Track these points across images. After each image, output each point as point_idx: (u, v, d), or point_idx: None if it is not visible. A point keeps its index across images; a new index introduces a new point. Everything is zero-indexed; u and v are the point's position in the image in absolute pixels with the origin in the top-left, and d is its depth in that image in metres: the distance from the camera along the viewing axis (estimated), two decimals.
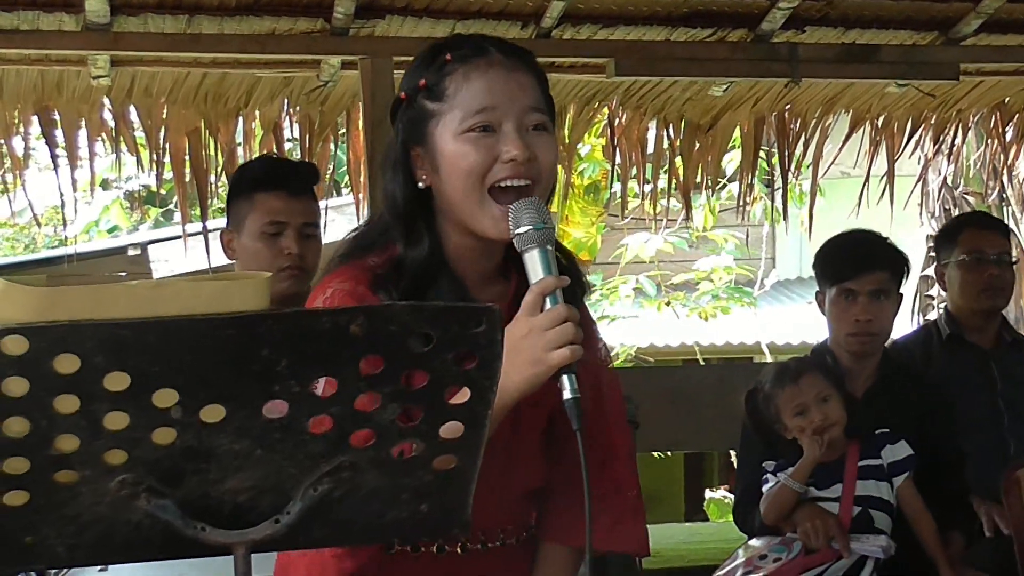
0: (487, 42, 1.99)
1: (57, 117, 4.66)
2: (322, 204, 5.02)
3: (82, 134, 4.73)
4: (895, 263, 3.55)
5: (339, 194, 9.03)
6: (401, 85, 2.01)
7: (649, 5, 4.46)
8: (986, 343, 4.03)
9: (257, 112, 4.81)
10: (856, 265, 3.51)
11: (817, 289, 3.65)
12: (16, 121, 4.68)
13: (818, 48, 4.69)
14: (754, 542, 3.34)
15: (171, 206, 11.18)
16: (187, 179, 4.86)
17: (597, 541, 1.96)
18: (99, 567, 2.53)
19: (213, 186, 4.88)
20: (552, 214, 1.91)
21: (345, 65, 4.44)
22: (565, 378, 1.77)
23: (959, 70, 4.82)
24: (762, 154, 5.86)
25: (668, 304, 10.23)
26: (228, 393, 1.39)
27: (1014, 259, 4.16)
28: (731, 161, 7.35)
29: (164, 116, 4.71)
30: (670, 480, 12.17)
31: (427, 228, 1.94)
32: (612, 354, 8.98)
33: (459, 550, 1.96)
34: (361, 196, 4.96)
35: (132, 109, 4.74)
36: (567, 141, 5.23)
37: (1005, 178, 6.18)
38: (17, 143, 4.82)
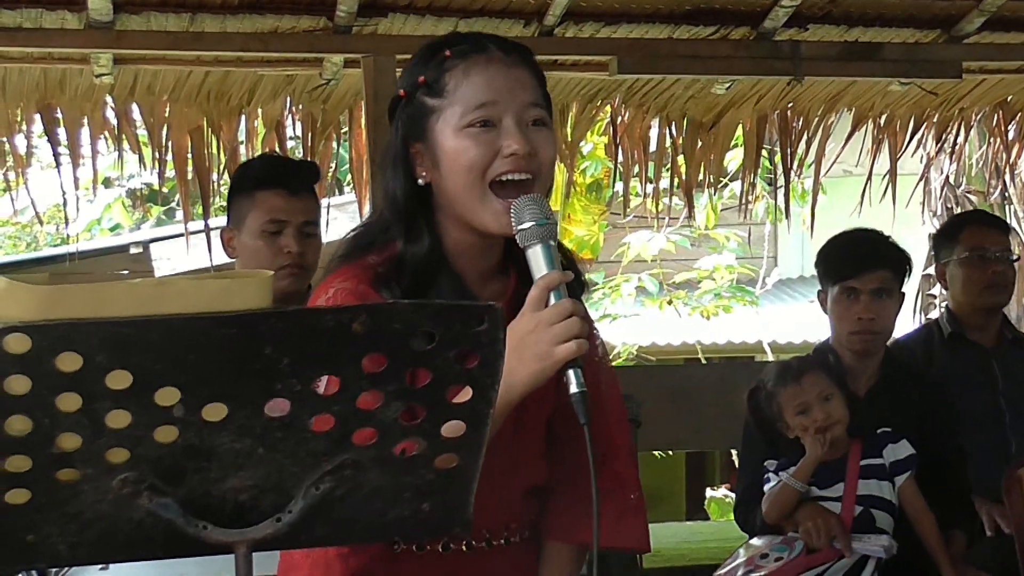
0: (485, 39, 1.99)
1: (60, 115, 4.66)
2: (324, 202, 5.03)
3: (84, 132, 4.73)
4: (897, 262, 3.55)
5: (341, 192, 9.03)
6: (399, 83, 2.01)
7: (652, 3, 4.46)
8: (987, 341, 4.03)
9: (260, 110, 4.81)
10: (858, 264, 3.51)
11: (819, 288, 3.65)
12: (19, 119, 4.68)
13: (820, 46, 4.68)
14: (755, 541, 3.34)
15: (173, 204, 11.17)
16: (189, 177, 4.87)
17: (601, 537, 1.98)
18: (100, 566, 2.53)
19: (215, 184, 4.88)
20: (554, 212, 1.92)
21: (348, 63, 4.44)
22: (571, 372, 1.77)
23: (962, 68, 4.82)
24: (764, 152, 5.86)
25: (670, 303, 10.23)
26: (230, 391, 1.39)
27: (1015, 256, 4.16)
28: (733, 159, 7.35)
29: (167, 114, 4.71)
30: (671, 479, 12.17)
31: (427, 225, 1.94)
32: (614, 353, 9.02)
33: (464, 548, 1.96)
34: (363, 194, 4.96)
35: (135, 107, 4.74)
36: (569, 139, 5.23)
37: (1007, 177, 6.18)
38: (20, 141, 4.82)
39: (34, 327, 1.32)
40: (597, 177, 9.52)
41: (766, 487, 3.34)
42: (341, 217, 5.94)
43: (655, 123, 5.27)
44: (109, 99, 4.66)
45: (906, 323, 6.33)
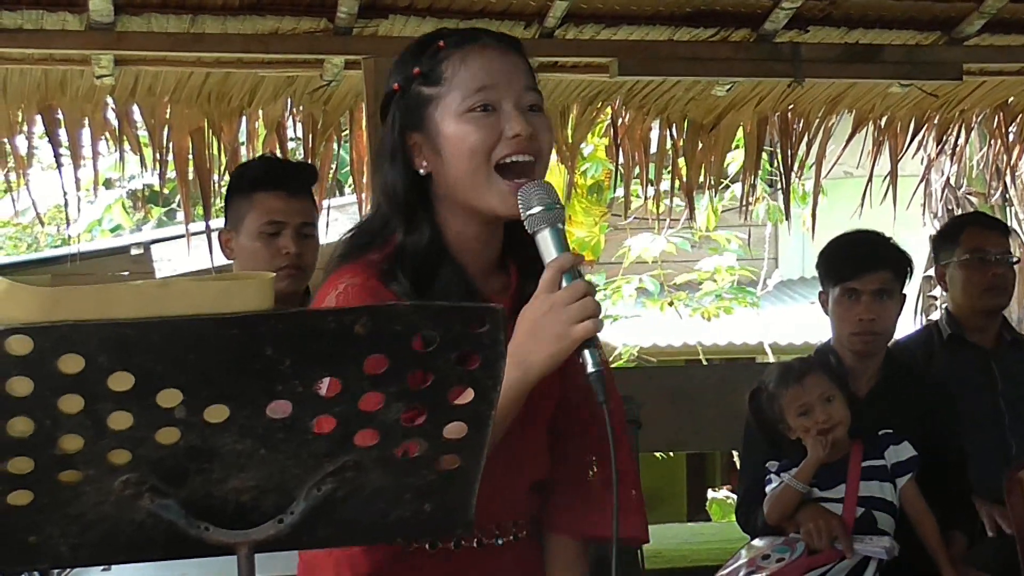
0: (476, 30, 2.02)
1: (61, 116, 4.66)
2: (325, 203, 5.05)
3: (85, 133, 4.73)
4: (898, 263, 3.55)
5: (342, 193, 9.04)
6: (390, 79, 2.01)
7: (652, 5, 4.46)
8: (987, 343, 4.03)
9: (260, 111, 4.81)
10: (859, 265, 3.52)
11: (820, 289, 3.65)
12: (20, 120, 4.68)
13: (821, 48, 4.68)
14: (757, 542, 3.34)
15: (174, 205, 11.17)
16: (190, 178, 4.86)
17: (603, 527, 2.00)
18: (102, 567, 2.53)
19: (216, 185, 4.88)
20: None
21: (348, 65, 4.44)
22: (587, 352, 1.78)
23: (962, 70, 4.82)
24: (765, 154, 5.86)
25: (671, 304, 10.23)
26: (232, 393, 1.40)
27: (1015, 258, 4.16)
28: (734, 161, 7.35)
29: (167, 115, 4.71)
30: (672, 480, 12.16)
31: (427, 216, 1.94)
32: (615, 354, 9.01)
33: (475, 544, 1.96)
34: (364, 195, 4.96)
35: (135, 108, 4.74)
36: (570, 141, 5.24)
37: (1008, 178, 6.17)
38: (21, 142, 4.82)
39: (36, 328, 1.32)
40: (598, 179, 9.52)
41: (767, 488, 3.34)
42: (342, 218, 5.94)
43: (656, 125, 5.27)
44: (110, 100, 4.66)
45: (907, 325, 6.33)
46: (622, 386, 2.21)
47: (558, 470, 2.05)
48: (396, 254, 1.92)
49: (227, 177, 4.75)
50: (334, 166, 5.25)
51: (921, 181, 6.93)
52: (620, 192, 5.71)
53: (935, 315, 7.21)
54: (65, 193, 4.86)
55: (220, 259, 3.36)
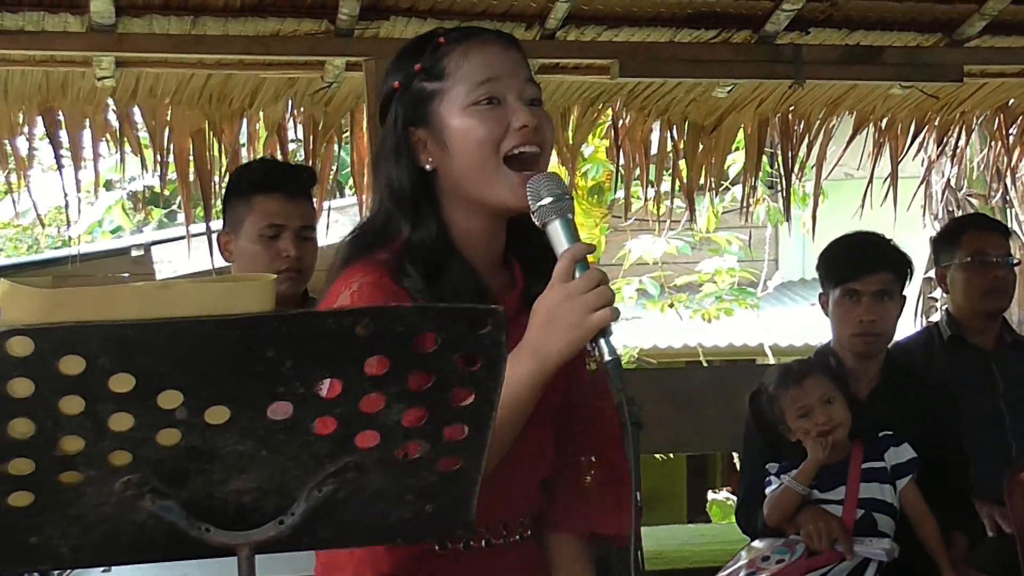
0: (473, 27, 2.04)
1: (61, 118, 4.67)
2: (325, 205, 5.05)
3: (86, 135, 4.73)
4: (899, 264, 3.55)
5: (342, 195, 9.04)
6: (388, 78, 2.00)
7: (653, 6, 4.46)
8: (987, 345, 4.03)
9: (261, 113, 4.81)
10: (860, 266, 3.52)
11: (820, 291, 3.65)
12: (21, 121, 4.68)
13: (822, 50, 4.69)
14: (757, 544, 3.34)
15: (175, 207, 11.17)
16: (191, 180, 4.87)
17: (605, 524, 2.03)
18: (103, 568, 2.53)
19: (217, 187, 4.87)
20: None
21: (349, 66, 4.45)
22: (603, 341, 1.78)
23: (963, 72, 4.82)
24: (765, 156, 5.86)
25: (671, 306, 10.23)
26: (233, 394, 1.40)
27: (1015, 260, 4.16)
28: (734, 163, 7.35)
29: (168, 117, 4.71)
30: (673, 481, 12.16)
31: (433, 212, 1.94)
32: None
33: (484, 544, 1.95)
34: (364, 197, 4.96)
35: (136, 110, 4.74)
36: (571, 142, 5.24)
37: (1008, 180, 6.18)
38: (21, 143, 4.82)
39: (37, 330, 1.32)
40: (598, 180, 9.52)
41: (767, 490, 3.34)
42: (342, 220, 5.94)
43: (656, 126, 5.27)
44: (111, 102, 4.66)
45: (907, 326, 6.33)
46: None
47: (558, 469, 2.05)
48: (404, 251, 1.91)
49: (228, 179, 4.76)
50: (335, 167, 5.25)
51: (922, 183, 6.93)
52: (621, 194, 5.71)
53: (935, 317, 7.22)
54: (66, 194, 4.87)
55: (221, 261, 3.36)
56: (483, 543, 1.95)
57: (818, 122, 5.35)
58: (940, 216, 8.49)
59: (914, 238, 7.15)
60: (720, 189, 6.09)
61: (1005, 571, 3.49)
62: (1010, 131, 5.63)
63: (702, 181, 5.44)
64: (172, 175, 4.88)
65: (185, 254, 6.27)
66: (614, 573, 3.75)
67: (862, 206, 5.59)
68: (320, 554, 1.93)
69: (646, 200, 5.83)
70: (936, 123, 5.54)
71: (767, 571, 3.21)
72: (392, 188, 1.95)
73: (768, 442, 3.41)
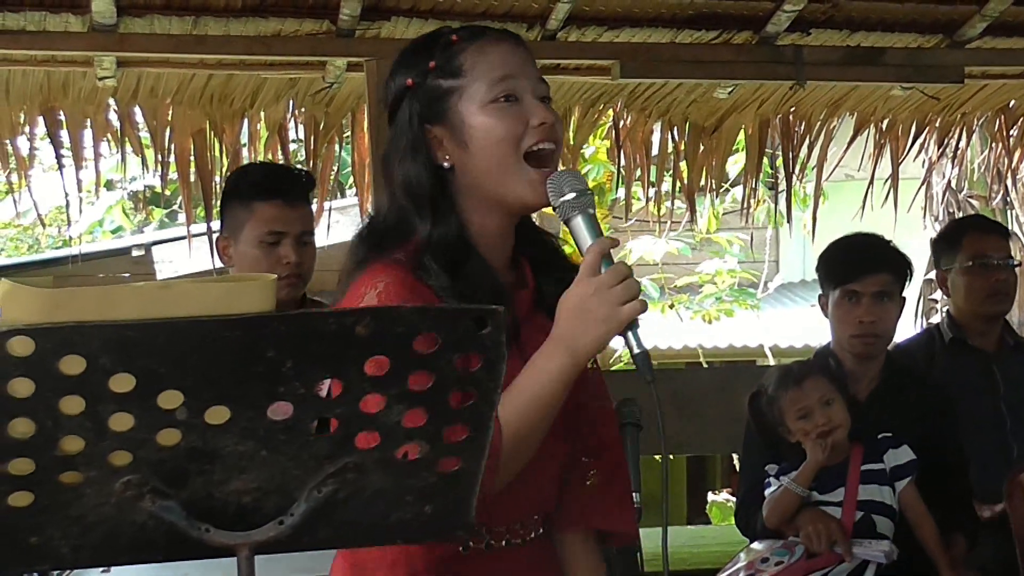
0: (483, 26, 2.04)
1: (63, 117, 4.67)
2: (326, 205, 5.05)
3: (87, 134, 4.74)
4: (898, 266, 3.55)
5: (343, 195, 9.04)
6: (397, 76, 1.98)
7: (654, 7, 4.46)
8: (989, 347, 4.03)
9: (262, 113, 4.82)
10: (859, 267, 3.51)
11: (820, 292, 3.65)
12: (22, 121, 4.69)
13: (823, 51, 4.69)
14: (756, 545, 3.34)
15: (175, 207, 11.17)
16: (192, 180, 4.87)
17: (609, 522, 2.06)
18: (103, 568, 2.53)
19: (218, 187, 4.87)
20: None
21: (350, 67, 4.45)
22: (630, 334, 1.82)
23: (964, 73, 4.83)
24: (766, 157, 5.86)
25: (672, 307, 10.23)
26: (233, 394, 1.40)
27: (1016, 262, 4.16)
28: (735, 164, 7.36)
29: (169, 117, 4.72)
30: (673, 483, 12.16)
31: (452, 210, 1.93)
32: (616, 356, 9.02)
33: (504, 544, 1.95)
34: (365, 198, 4.96)
35: (137, 110, 4.75)
36: (572, 143, 5.24)
37: (1009, 181, 6.18)
38: (22, 143, 4.82)
39: (37, 330, 1.32)
40: (599, 181, 9.52)
41: (767, 491, 3.34)
42: (343, 220, 5.94)
43: (657, 127, 5.28)
44: (112, 102, 4.66)
45: (907, 328, 6.33)
46: (622, 388, 2.23)
47: (566, 469, 2.05)
48: (424, 249, 1.90)
49: (225, 181, 4.75)
50: (336, 168, 5.25)
51: (922, 184, 6.93)
52: (621, 194, 5.73)
53: (936, 318, 7.22)
54: (67, 194, 4.88)
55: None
56: (503, 543, 1.94)
57: (819, 123, 5.36)
58: (941, 217, 8.49)
59: (915, 239, 7.14)
60: (721, 190, 6.09)
61: (1004, 572, 3.49)
62: (1011, 132, 5.63)
63: (703, 182, 5.44)
64: (173, 175, 4.88)
65: (186, 254, 6.28)
66: (615, 574, 3.75)
67: (863, 207, 5.60)
68: (346, 556, 1.90)
69: (647, 201, 5.83)
70: (937, 124, 5.54)
71: (766, 573, 3.21)
72: (409, 186, 1.93)
73: (768, 443, 3.41)
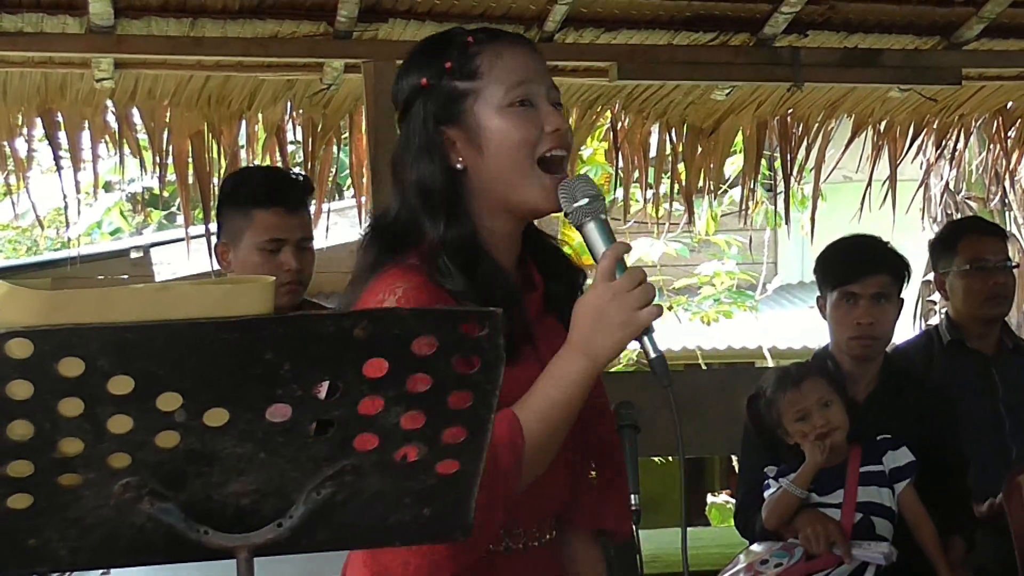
0: (493, 29, 2.04)
1: (60, 119, 4.67)
2: (324, 207, 5.05)
3: (85, 136, 4.74)
4: (896, 267, 3.55)
5: (341, 197, 9.04)
6: (410, 76, 1.97)
7: (652, 9, 4.47)
8: (987, 349, 4.03)
9: (260, 115, 4.82)
10: (857, 269, 3.51)
11: (819, 293, 3.65)
12: (20, 123, 4.69)
13: (820, 52, 4.69)
14: (755, 547, 3.34)
15: (174, 209, 11.17)
16: (190, 182, 4.87)
17: (609, 521, 2.07)
18: (102, 571, 2.53)
19: (216, 189, 4.87)
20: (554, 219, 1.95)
21: (348, 68, 4.45)
22: (646, 339, 1.83)
23: (961, 75, 4.83)
24: (764, 158, 5.86)
25: (670, 308, 10.22)
26: (232, 396, 1.40)
27: (1014, 263, 4.16)
28: (733, 165, 7.35)
29: (167, 119, 4.71)
30: (672, 485, 12.13)
31: (465, 212, 1.93)
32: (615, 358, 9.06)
33: (521, 546, 1.94)
34: (364, 199, 4.96)
35: (135, 111, 4.75)
36: None
37: (1007, 183, 6.18)
38: (20, 145, 4.82)
39: (36, 332, 1.32)
40: (597, 183, 9.52)
41: (766, 493, 3.34)
42: (341, 222, 5.95)
43: (655, 129, 5.28)
44: (110, 103, 4.66)
45: (906, 329, 6.34)
46: (621, 390, 2.24)
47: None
48: (436, 252, 1.89)
49: (222, 185, 4.75)
50: (333, 170, 5.25)
51: (920, 185, 6.94)
52: (619, 196, 5.71)
53: (934, 320, 7.22)
54: (65, 196, 4.87)
55: None
56: (521, 545, 1.94)
57: (816, 125, 5.36)
58: (939, 219, 8.50)
59: (913, 241, 7.15)
60: (719, 192, 6.09)
61: (1003, 572, 3.49)
62: (1008, 134, 5.63)
63: (701, 184, 5.44)
64: (171, 177, 4.88)
65: (184, 256, 6.28)
66: (615, 574, 3.75)
67: (861, 209, 5.60)
68: (368, 564, 1.90)
69: (645, 202, 5.84)
70: (934, 126, 5.54)
71: (765, 574, 3.21)
72: (423, 187, 1.92)
73: (766, 445, 3.41)
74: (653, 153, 5.36)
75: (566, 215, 1.89)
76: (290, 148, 5.18)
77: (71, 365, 1.33)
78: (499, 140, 1.91)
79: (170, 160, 4.77)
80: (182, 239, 5.97)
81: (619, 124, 5.21)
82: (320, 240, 3.35)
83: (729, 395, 4.19)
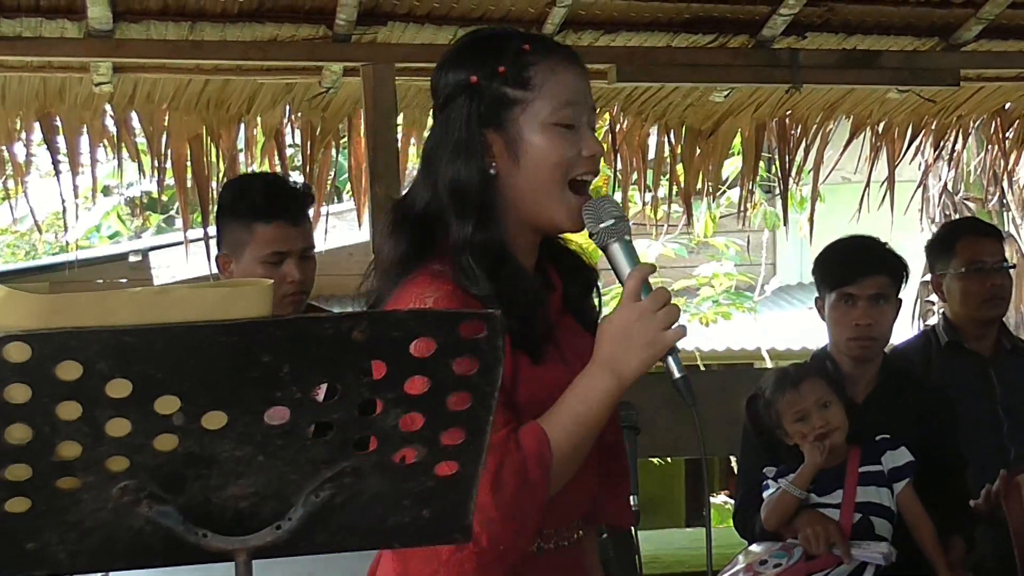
0: (547, 39, 2.07)
1: (59, 123, 4.67)
2: (323, 210, 5.05)
3: (84, 140, 4.74)
4: (894, 268, 3.55)
5: (340, 200, 9.05)
6: (458, 70, 1.95)
7: (650, 11, 4.47)
8: (985, 350, 4.02)
9: (259, 118, 4.82)
10: (856, 270, 3.51)
11: (817, 295, 3.65)
12: (18, 127, 4.69)
13: (819, 54, 4.70)
14: (754, 548, 3.34)
15: (172, 213, 11.18)
16: (189, 185, 4.87)
17: (610, 518, 2.13)
18: (100, 574, 2.53)
19: (215, 192, 4.87)
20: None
21: (347, 71, 4.45)
22: (671, 359, 1.89)
23: (959, 76, 4.83)
24: (763, 160, 5.87)
25: None
26: (230, 399, 1.40)
27: (1011, 264, 4.15)
28: (731, 167, 7.36)
29: (166, 122, 4.72)
30: (671, 486, 12.16)
31: (495, 215, 1.93)
32: None
33: (553, 546, 1.96)
34: (362, 202, 4.96)
35: (134, 115, 4.75)
36: None
37: (1005, 183, 6.18)
38: (19, 149, 4.83)
39: (34, 336, 1.32)
40: (596, 184, 9.52)
41: (765, 494, 3.34)
42: (340, 225, 5.95)
43: (654, 131, 5.28)
44: (108, 107, 4.67)
45: (904, 330, 6.34)
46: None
47: None
48: (464, 253, 1.89)
49: (221, 193, 4.73)
50: (332, 173, 5.26)
51: (919, 186, 6.94)
52: (618, 198, 5.71)
53: (933, 320, 7.21)
54: (63, 200, 4.87)
55: None
56: (552, 544, 1.96)
57: (815, 126, 5.36)
58: (937, 220, 8.50)
59: (911, 241, 7.14)
60: (717, 193, 6.09)
61: (1002, 572, 3.49)
62: (1007, 135, 5.64)
63: (699, 185, 5.44)
64: (170, 180, 4.88)
65: (183, 259, 6.28)
66: (615, 574, 3.75)
67: (859, 210, 5.60)
68: (396, 568, 1.89)
69: (643, 204, 5.84)
70: (933, 127, 5.55)
71: (765, 575, 3.21)
72: (457, 187, 1.91)
73: (765, 446, 3.41)
74: (652, 155, 5.37)
75: (591, 235, 1.92)
76: (289, 151, 5.18)
77: (69, 369, 1.33)
78: (538, 156, 1.91)
79: (169, 164, 4.77)
80: (180, 243, 5.97)
81: (618, 126, 5.22)
82: (319, 243, 3.34)
83: (728, 396, 4.18)
